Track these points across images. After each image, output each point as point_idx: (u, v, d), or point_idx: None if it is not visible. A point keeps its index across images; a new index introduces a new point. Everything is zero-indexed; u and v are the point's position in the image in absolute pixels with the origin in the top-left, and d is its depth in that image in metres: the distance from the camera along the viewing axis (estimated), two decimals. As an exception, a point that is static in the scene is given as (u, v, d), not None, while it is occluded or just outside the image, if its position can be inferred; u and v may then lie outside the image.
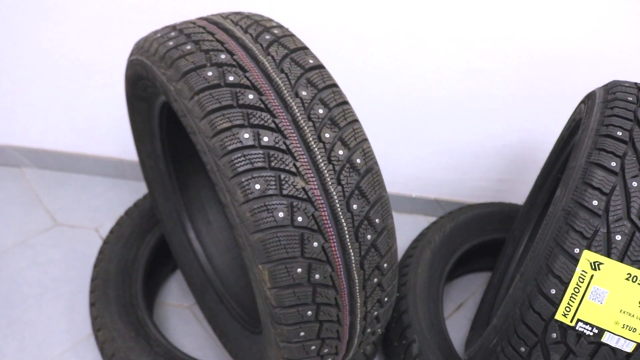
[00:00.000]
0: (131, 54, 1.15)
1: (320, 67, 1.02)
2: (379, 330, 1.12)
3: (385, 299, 1.05)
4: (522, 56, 1.57)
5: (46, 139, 1.90)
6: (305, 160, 0.92)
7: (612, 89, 1.17)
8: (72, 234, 1.80)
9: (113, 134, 1.85)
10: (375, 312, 1.05)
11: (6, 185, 1.92)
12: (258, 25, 1.07)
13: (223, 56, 0.98)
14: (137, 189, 1.95)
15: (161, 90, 1.04)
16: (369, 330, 1.08)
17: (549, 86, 1.62)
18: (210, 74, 0.95)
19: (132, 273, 1.47)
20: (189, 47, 1.00)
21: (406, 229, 1.83)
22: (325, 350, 1.03)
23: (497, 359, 1.12)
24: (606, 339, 0.99)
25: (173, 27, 1.08)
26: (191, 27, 1.07)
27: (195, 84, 0.94)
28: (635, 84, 1.18)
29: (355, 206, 0.94)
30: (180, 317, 1.65)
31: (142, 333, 1.36)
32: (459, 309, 1.76)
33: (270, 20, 1.11)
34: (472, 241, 1.69)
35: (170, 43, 1.02)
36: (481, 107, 1.70)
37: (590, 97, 1.24)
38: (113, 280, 1.44)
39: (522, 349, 1.06)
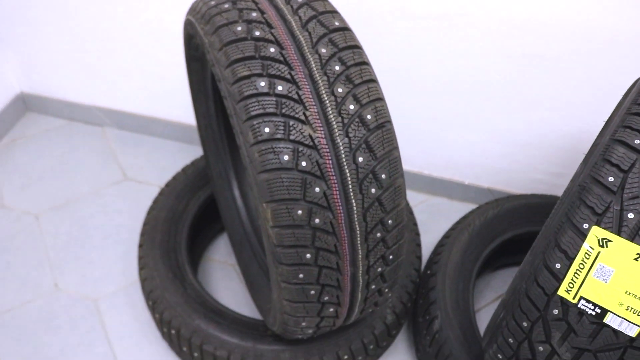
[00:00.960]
0: (185, 16, 1.27)
1: (345, 29, 1.07)
2: (386, 290, 1.15)
3: (390, 257, 1.08)
4: (581, 41, 1.51)
5: (126, 101, 2.09)
6: (316, 110, 0.98)
7: (658, 71, 1.12)
8: (139, 189, 1.98)
9: (184, 101, 1.99)
10: (379, 269, 1.08)
11: (89, 141, 2.14)
12: (295, -11, 1.14)
13: (254, 14, 1.06)
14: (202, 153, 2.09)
15: (201, 43, 1.14)
16: (373, 286, 1.11)
17: (611, 75, 1.55)
18: (239, 28, 1.03)
19: (179, 223, 1.59)
20: (226, 6, 1.09)
21: (456, 216, 1.81)
22: (326, 298, 1.07)
23: (502, 334, 1.11)
24: (609, 320, 0.95)
25: (218, -10, 1.17)
26: (234, -11, 1.16)
27: (225, 36, 1.02)
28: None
29: (361, 159, 0.98)
30: (224, 272, 1.76)
31: (179, 276, 1.47)
32: (498, 299, 1.73)
33: (309, -14, 1.17)
34: (516, 230, 1.65)
35: (212, 2, 1.11)
36: (537, 94, 1.66)
37: (637, 81, 1.19)
38: (161, 226, 1.57)
39: (525, 324, 1.05)
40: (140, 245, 1.54)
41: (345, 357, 1.36)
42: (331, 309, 1.11)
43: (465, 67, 1.67)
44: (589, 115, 1.65)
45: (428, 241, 1.80)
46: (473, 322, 1.46)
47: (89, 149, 2.11)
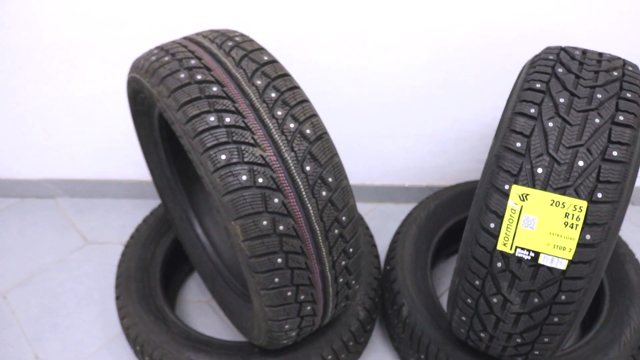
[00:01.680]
0: (128, 75, 1.39)
1: (273, 61, 1.22)
2: (353, 282, 1.28)
3: (351, 250, 1.22)
4: (481, 42, 1.74)
5: (75, 169, 2.16)
6: (262, 133, 1.12)
7: (541, 53, 1.33)
8: (102, 250, 2.04)
9: (132, 159, 2.09)
10: (343, 262, 1.22)
11: (44, 215, 2.19)
12: (223, 35, 1.29)
13: (193, 61, 1.20)
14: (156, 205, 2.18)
15: (149, 95, 1.26)
16: (341, 280, 1.24)
17: (512, 67, 1.77)
18: (182, 75, 1.16)
19: (150, 269, 1.68)
20: (166, 58, 1.22)
21: (403, 217, 1.97)
22: (302, 297, 1.19)
23: (460, 297, 1.26)
24: (542, 260, 1.12)
25: (156, 47, 1.31)
26: (169, 44, 1.29)
27: (171, 84, 1.15)
28: (561, 47, 1.33)
29: (308, 168, 1.13)
30: (200, 310, 1.84)
31: (161, 317, 1.55)
32: (456, 282, 1.89)
33: (235, 31, 1.33)
34: (457, 217, 1.83)
35: (153, 58, 1.24)
36: (453, 93, 1.86)
37: (525, 65, 1.40)
38: (134, 276, 1.64)
39: (477, 282, 1.20)
40: (118, 297, 1.61)
41: (330, 357, 1.47)
42: (308, 307, 1.23)
43: (386, 80, 1.85)
44: (501, 103, 1.87)
45: (384, 243, 1.95)
46: (437, 303, 1.61)
47: (45, 221, 2.16)
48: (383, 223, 2.08)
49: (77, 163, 2.15)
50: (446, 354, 1.47)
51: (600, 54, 1.28)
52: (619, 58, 1.27)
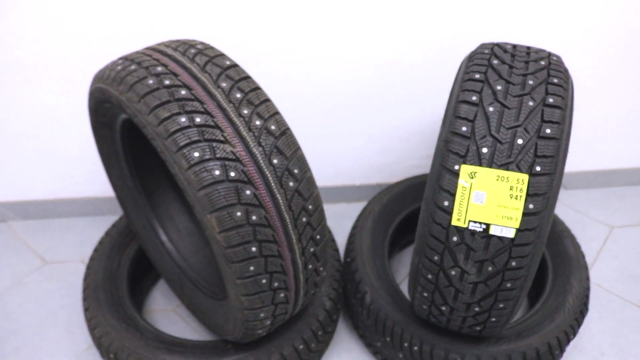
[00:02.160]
0: (90, 87, 1.43)
1: (235, 66, 1.30)
2: (321, 268, 1.36)
3: (318, 237, 1.30)
4: (424, 45, 1.88)
5: (27, 191, 2.14)
6: (231, 131, 1.19)
7: (477, 48, 1.47)
8: (61, 269, 2.02)
9: (86, 177, 2.09)
10: (312, 249, 1.30)
11: (-4, 239, 2.15)
12: (185, 44, 1.35)
13: (160, 68, 1.26)
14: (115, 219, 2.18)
15: (116, 104, 1.30)
16: (310, 266, 1.32)
17: (453, 67, 1.92)
18: (151, 81, 1.22)
19: (117, 279, 1.69)
20: (132, 67, 1.27)
21: (357, 215, 2.07)
22: (276, 284, 1.26)
23: (421, 274, 1.36)
24: (493, 230, 1.24)
25: (120, 58, 1.36)
26: (133, 54, 1.35)
27: (141, 90, 1.20)
28: (494, 42, 1.48)
29: (275, 161, 1.21)
30: (167, 319, 1.87)
31: (132, 324, 1.57)
32: (411, 271, 2.01)
33: (195, 40, 1.40)
34: (409, 208, 1.95)
35: (119, 67, 1.29)
36: (399, 94, 1.99)
37: (464, 59, 1.53)
38: (101, 286, 1.66)
39: (436, 258, 1.31)
40: (86, 309, 1.62)
41: (301, 346, 1.54)
42: (282, 294, 1.30)
43: (334, 83, 1.96)
44: (444, 102, 2.01)
45: (341, 241, 2.05)
46: (397, 289, 1.71)
47: (-1, 246, 2.13)
48: (337, 222, 2.18)
49: (29, 184, 2.13)
50: (410, 333, 1.57)
51: (528, 47, 1.43)
52: (544, 50, 1.43)
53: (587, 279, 1.74)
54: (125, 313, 1.61)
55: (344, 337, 1.81)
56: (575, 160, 2.29)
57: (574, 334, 1.62)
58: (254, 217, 1.18)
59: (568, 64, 1.96)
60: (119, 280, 1.70)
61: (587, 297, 1.70)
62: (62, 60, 1.82)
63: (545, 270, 1.80)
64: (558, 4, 1.85)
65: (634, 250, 2.11)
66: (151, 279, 1.94)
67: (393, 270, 2.00)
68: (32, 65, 1.81)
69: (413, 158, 2.16)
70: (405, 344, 1.58)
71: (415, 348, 1.56)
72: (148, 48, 1.38)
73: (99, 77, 1.34)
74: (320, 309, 1.61)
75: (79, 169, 2.06)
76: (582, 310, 1.65)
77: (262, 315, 1.31)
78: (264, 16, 1.79)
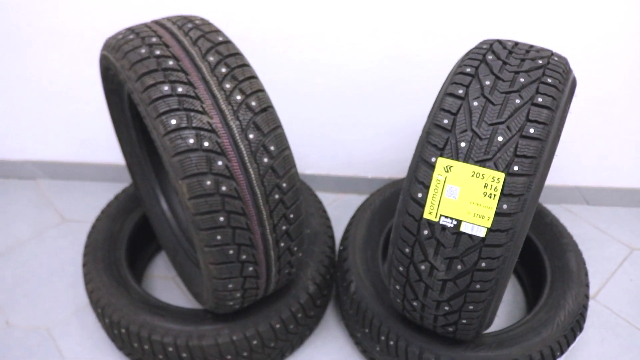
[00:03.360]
0: (100, 53, 1.50)
1: (227, 42, 1.33)
2: (295, 248, 1.38)
3: (291, 216, 1.31)
4: (440, 39, 1.85)
5: (55, 152, 2.27)
6: (210, 103, 1.22)
7: (478, 44, 1.44)
8: (77, 228, 2.14)
9: (109, 143, 2.20)
10: (284, 227, 1.31)
11: (24, 194, 2.30)
12: (185, 19, 1.40)
13: (154, 39, 1.31)
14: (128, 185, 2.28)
15: (114, 70, 1.37)
16: (282, 244, 1.34)
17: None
18: (143, 51, 1.27)
19: (117, 241, 1.78)
20: (131, 37, 1.34)
21: (364, 207, 2.08)
22: (244, 257, 1.29)
23: (394, 266, 1.35)
24: (463, 228, 1.21)
25: (126, 28, 1.43)
26: (137, 26, 1.41)
27: (133, 58, 1.26)
28: (496, 39, 1.44)
29: (251, 136, 1.23)
30: (165, 285, 1.94)
31: (123, 284, 1.65)
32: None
33: (197, 16, 1.44)
34: (413, 205, 1.93)
35: (120, 36, 1.36)
36: (411, 89, 1.97)
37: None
38: (101, 245, 1.74)
39: (407, 250, 1.29)
40: (84, 264, 1.71)
41: (277, 325, 1.56)
42: (250, 268, 1.33)
43: (351, 73, 1.96)
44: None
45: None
46: (384, 281, 1.70)
47: (25, 200, 2.27)
48: (345, 212, 2.18)
49: (58, 146, 2.26)
50: (387, 327, 1.56)
51: (531, 46, 1.38)
52: (548, 50, 1.38)
53: (586, 296, 1.66)
54: (119, 273, 1.69)
55: (331, 325, 1.82)
56: (603, 175, 2.19)
57: (562, 352, 1.55)
58: (223, 188, 1.21)
59: (602, 72, 1.88)
60: (119, 241, 1.78)
61: (582, 315, 1.62)
62: (91, 28, 1.92)
63: (544, 282, 1.73)
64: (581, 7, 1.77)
65: (653, 275, 2.00)
66: (156, 245, 2.02)
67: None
68: (60, 30, 1.92)
69: (428, 156, 2.13)
70: (382, 337, 1.57)
71: (392, 343, 1.55)
72: (153, 21, 1.44)
73: (105, 45, 1.41)
74: (303, 292, 1.63)
75: (102, 136, 2.17)
76: (574, 328, 1.58)
77: (230, 285, 1.34)
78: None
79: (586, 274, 1.72)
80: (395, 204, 1.92)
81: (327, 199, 2.25)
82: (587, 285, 1.69)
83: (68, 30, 1.92)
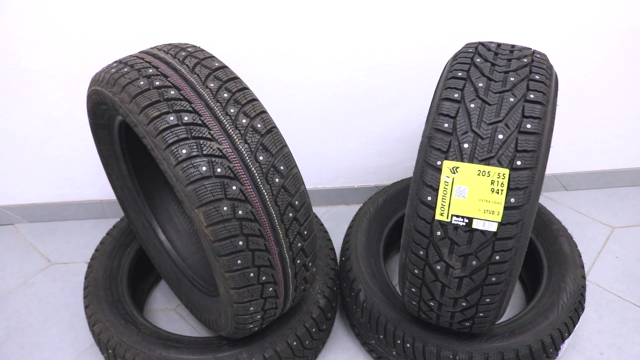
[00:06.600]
0: (88, 90, 1.48)
1: (224, 67, 1.34)
2: (310, 264, 1.39)
3: (305, 232, 1.33)
4: (417, 47, 1.91)
5: (33, 195, 2.21)
6: (218, 129, 1.23)
7: (462, 48, 1.50)
8: (66, 269, 2.08)
9: (90, 180, 2.15)
10: (299, 244, 1.33)
11: (4, 241, 2.22)
12: (176, 47, 1.40)
13: (151, 70, 1.31)
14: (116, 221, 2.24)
15: (111, 105, 1.35)
16: (298, 261, 1.35)
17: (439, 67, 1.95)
18: (142, 83, 1.27)
19: (117, 277, 1.74)
20: (125, 69, 1.33)
21: (355, 217, 2.11)
22: (264, 278, 1.29)
23: (408, 269, 1.38)
24: (475, 224, 1.26)
25: (114, 61, 1.41)
26: (127, 57, 1.40)
27: (132, 91, 1.25)
28: (479, 42, 1.50)
29: (261, 157, 1.24)
30: (167, 317, 1.91)
31: (130, 321, 1.61)
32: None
33: (187, 43, 1.45)
34: (405, 209, 1.97)
35: (113, 70, 1.35)
36: (394, 96, 2.02)
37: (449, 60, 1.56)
38: (101, 284, 1.70)
39: (421, 252, 1.33)
40: (87, 306, 1.66)
41: (294, 343, 1.57)
42: (270, 288, 1.33)
43: (331, 86, 1.99)
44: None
45: (339, 242, 2.07)
46: (391, 286, 1.73)
47: (6, 247, 2.19)
48: (336, 223, 2.21)
49: (35, 188, 2.20)
50: (402, 330, 1.58)
51: (513, 46, 1.45)
52: (528, 48, 1.45)
53: (583, 277, 1.74)
54: (125, 310, 1.65)
55: (340, 336, 1.83)
56: (577, 161, 2.30)
57: (569, 333, 1.62)
58: (240, 212, 1.21)
59: (568, 64, 1.99)
60: (119, 278, 1.75)
61: (582, 295, 1.70)
62: (66, 67, 1.89)
63: (541, 268, 1.80)
64: (552, 4, 1.87)
65: (634, 250, 2.10)
66: (153, 278, 1.99)
67: (390, 271, 2.02)
68: (36, 71, 1.88)
69: (411, 159, 2.18)
70: (398, 341, 1.59)
71: (408, 345, 1.58)
72: (142, 52, 1.43)
73: (95, 80, 1.40)
74: (314, 307, 1.64)
75: (83, 173, 2.12)
76: (577, 308, 1.65)
77: (252, 308, 1.34)
78: (260, 21, 1.84)
79: (579, 256, 1.80)
80: (389, 211, 1.96)
81: (317, 212, 2.27)
82: (582, 267, 1.77)
83: (41, 69, 1.88)
